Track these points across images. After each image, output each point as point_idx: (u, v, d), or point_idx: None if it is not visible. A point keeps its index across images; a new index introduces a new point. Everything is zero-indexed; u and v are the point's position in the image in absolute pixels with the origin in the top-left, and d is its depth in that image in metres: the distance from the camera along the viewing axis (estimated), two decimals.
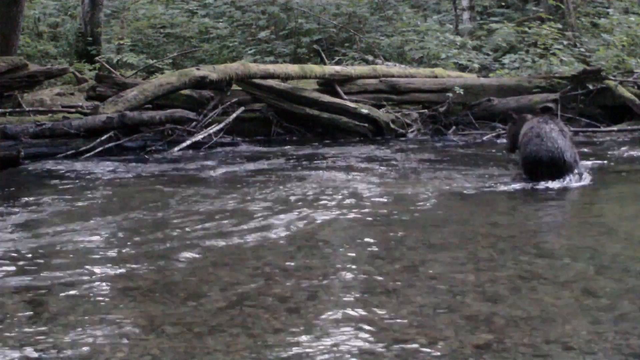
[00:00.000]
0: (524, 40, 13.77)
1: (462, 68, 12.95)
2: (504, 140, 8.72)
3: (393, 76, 11.00)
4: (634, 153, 8.34)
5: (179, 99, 9.72)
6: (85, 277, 3.85)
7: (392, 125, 10.01)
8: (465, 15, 16.49)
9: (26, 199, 6.01)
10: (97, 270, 3.98)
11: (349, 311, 3.29)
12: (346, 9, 14.89)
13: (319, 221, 5.06)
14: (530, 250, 4.34)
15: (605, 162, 7.65)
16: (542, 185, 6.15)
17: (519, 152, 6.62)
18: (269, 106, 10.18)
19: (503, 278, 3.78)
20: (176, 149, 8.61)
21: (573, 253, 4.29)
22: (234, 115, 9.52)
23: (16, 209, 5.56)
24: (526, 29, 13.75)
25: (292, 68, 10.46)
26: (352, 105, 10.08)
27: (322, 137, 10.04)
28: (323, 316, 3.25)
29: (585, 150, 8.56)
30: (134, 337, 3.06)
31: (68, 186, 6.61)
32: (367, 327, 3.11)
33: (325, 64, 12.36)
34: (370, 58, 13.16)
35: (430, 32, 14.07)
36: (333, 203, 5.66)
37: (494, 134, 9.82)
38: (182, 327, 3.14)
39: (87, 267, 4.04)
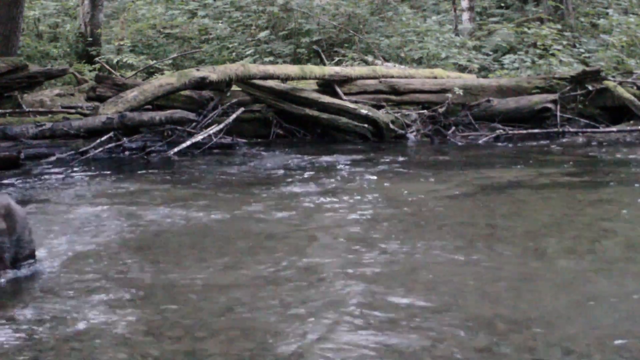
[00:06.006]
0: (524, 41, 13.78)
1: (462, 69, 12.96)
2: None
3: (392, 77, 11.00)
4: (634, 154, 8.35)
5: (178, 99, 9.73)
6: (84, 280, 3.86)
7: (391, 126, 10.01)
8: (465, 15, 16.50)
9: (25, 199, 6.02)
10: (95, 273, 3.98)
11: (348, 314, 3.30)
12: (345, 9, 14.89)
13: (316, 223, 5.07)
14: (530, 251, 4.35)
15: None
16: None
17: None
18: (268, 107, 10.19)
19: (503, 280, 3.79)
20: (175, 149, 8.61)
21: (573, 255, 4.29)
22: (234, 115, 9.52)
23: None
24: (526, 30, 13.76)
25: (292, 69, 10.47)
26: (352, 105, 10.09)
27: (321, 137, 10.05)
28: (322, 319, 3.26)
29: (584, 151, 8.58)
30: (134, 340, 3.07)
31: (66, 187, 6.62)
32: (366, 330, 3.12)
33: (324, 64, 12.36)
34: (370, 59, 13.16)
35: (430, 32, 14.07)
36: (331, 204, 5.67)
37: (493, 135, 9.83)
38: (181, 330, 3.15)
39: (85, 269, 4.05)
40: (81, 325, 3.22)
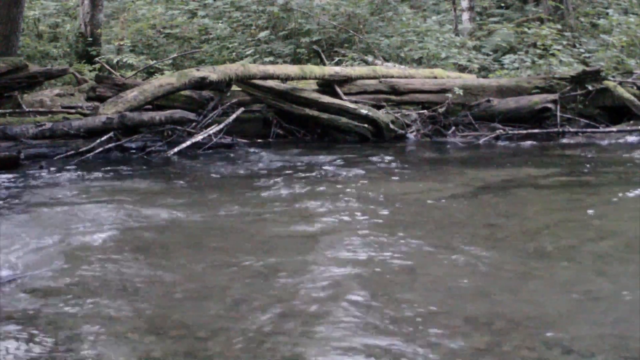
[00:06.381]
0: (524, 41, 13.79)
1: (462, 69, 12.96)
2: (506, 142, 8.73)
3: (392, 77, 11.01)
4: (633, 154, 8.35)
5: (178, 99, 9.73)
6: (84, 278, 3.86)
7: (391, 126, 10.02)
8: (465, 15, 16.51)
9: (24, 199, 6.02)
10: (96, 271, 3.98)
11: (347, 314, 3.30)
12: (345, 9, 14.90)
13: (314, 222, 5.07)
14: (530, 251, 4.35)
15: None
16: None
17: None
18: (268, 107, 10.19)
19: (503, 280, 3.79)
20: (175, 149, 8.61)
21: (573, 255, 4.29)
22: (234, 115, 9.52)
23: (17, 210, 5.57)
24: (526, 30, 13.77)
25: (292, 69, 10.48)
26: (352, 105, 10.09)
27: (321, 137, 10.05)
28: (321, 319, 3.26)
29: (584, 151, 8.58)
30: (135, 339, 3.07)
31: (64, 187, 6.62)
32: (366, 330, 3.12)
33: (324, 64, 12.36)
34: (370, 59, 13.16)
35: (430, 32, 14.08)
36: (329, 203, 5.67)
37: (493, 135, 9.83)
38: (182, 330, 3.15)
39: (85, 268, 4.05)
40: (78, 326, 3.21)
